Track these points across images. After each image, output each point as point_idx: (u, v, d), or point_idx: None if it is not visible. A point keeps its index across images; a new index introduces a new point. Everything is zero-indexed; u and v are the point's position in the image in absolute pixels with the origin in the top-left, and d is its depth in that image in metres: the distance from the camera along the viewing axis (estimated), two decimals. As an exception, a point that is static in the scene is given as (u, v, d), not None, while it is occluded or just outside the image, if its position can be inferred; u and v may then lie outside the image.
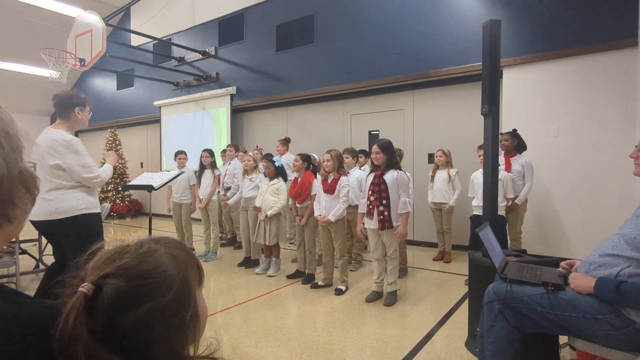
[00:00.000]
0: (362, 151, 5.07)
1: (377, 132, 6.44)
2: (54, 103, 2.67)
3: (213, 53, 8.31)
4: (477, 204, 4.13)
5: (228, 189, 5.43)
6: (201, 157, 5.30)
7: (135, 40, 9.39)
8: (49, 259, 4.63)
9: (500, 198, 3.68)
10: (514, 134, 4.26)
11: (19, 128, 0.57)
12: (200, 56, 8.47)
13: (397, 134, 6.04)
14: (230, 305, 3.49)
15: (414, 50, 5.80)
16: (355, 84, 6.37)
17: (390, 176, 3.37)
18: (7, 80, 10.49)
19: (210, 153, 5.31)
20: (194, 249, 5.36)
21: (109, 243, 0.67)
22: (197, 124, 8.64)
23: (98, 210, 2.77)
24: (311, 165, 4.27)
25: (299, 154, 4.25)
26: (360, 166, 4.79)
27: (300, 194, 4.13)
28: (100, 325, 0.55)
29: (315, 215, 3.93)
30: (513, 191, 4.12)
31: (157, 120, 9.61)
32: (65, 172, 2.59)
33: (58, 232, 2.64)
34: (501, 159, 4.10)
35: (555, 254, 4.58)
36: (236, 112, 8.16)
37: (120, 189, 9.47)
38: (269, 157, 4.39)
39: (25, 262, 4.57)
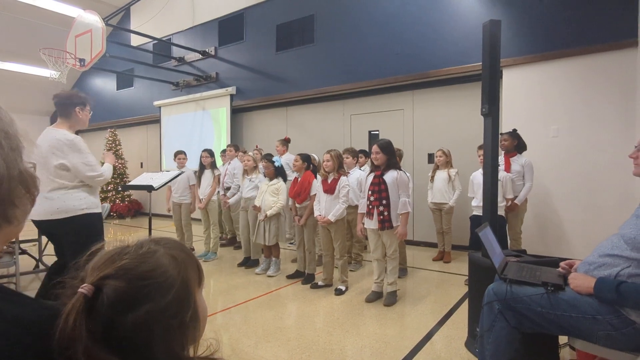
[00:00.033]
0: (362, 151, 5.07)
1: (377, 132, 6.44)
2: (55, 102, 2.68)
3: (213, 53, 8.31)
4: (476, 204, 4.13)
5: (228, 189, 5.43)
6: (201, 157, 5.30)
7: (135, 40, 9.39)
8: (49, 259, 4.64)
9: (499, 198, 3.68)
10: (514, 134, 4.26)
11: (18, 128, 0.57)
12: (200, 56, 8.47)
13: (397, 134, 6.04)
14: (230, 305, 3.49)
15: (414, 50, 5.80)
16: (355, 84, 6.37)
17: (390, 176, 3.37)
18: (6, 80, 10.49)
19: (210, 153, 5.31)
20: (193, 249, 5.36)
21: (108, 243, 0.67)
22: (197, 124, 8.64)
23: (99, 210, 2.78)
24: (311, 165, 4.27)
25: (299, 154, 4.25)
26: (360, 166, 4.79)
27: (300, 193, 4.13)
28: (100, 326, 0.55)
29: (315, 216, 3.93)
30: (512, 191, 4.13)
31: (157, 120, 9.60)
32: (69, 172, 2.59)
33: (59, 232, 2.64)
34: (501, 159, 4.10)
35: (555, 254, 4.58)
36: (236, 112, 8.16)
37: (120, 189, 9.47)
38: (268, 157, 4.40)
39: (25, 262, 4.57)
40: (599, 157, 4.51)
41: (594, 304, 1.59)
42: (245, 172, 4.92)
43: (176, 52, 8.96)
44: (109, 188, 9.44)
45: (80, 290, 0.56)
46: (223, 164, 5.98)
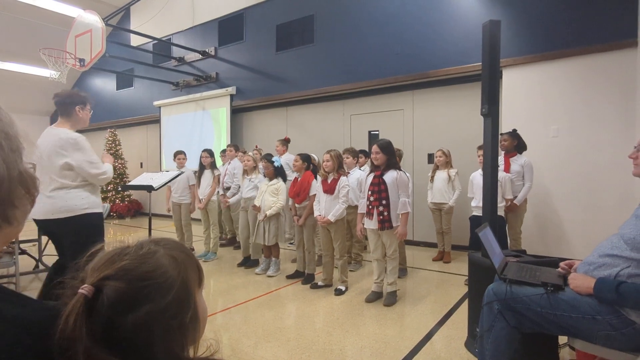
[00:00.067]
0: (362, 151, 5.07)
1: (377, 132, 6.44)
2: (55, 102, 2.68)
3: (213, 53, 8.31)
4: (476, 204, 4.13)
5: (228, 188, 5.44)
6: (201, 157, 5.30)
7: (135, 40, 9.39)
8: (49, 259, 4.64)
9: (498, 199, 3.68)
10: (513, 134, 4.26)
11: (18, 129, 0.57)
12: (200, 56, 8.47)
13: (396, 134, 6.04)
14: (230, 305, 3.49)
15: (414, 50, 5.80)
16: (355, 84, 6.37)
17: (389, 176, 3.37)
18: (6, 80, 10.49)
19: (210, 153, 5.32)
20: (193, 249, 5.36)
21: (108, 244, 0.67)
22: (197, 124, 8.64)
23: (100, 210, 2.78)
24: (311, 166, 4.27)
25: (298, 154, 4.25)
26: (360, 166, 4.79)
27: (299, 193, 4.13)
28: (100, 326, 0.55)
29: (315, 216, 3.93)
30: (512, 192, 4.12)
31: (157, 121, 9.60)
32: (73, 171, 2.59)
33: (60, 231, 2.64)
34: (500, 159, 4.10)
35: (555, 254, 4.58)
36: (236, 112, 8.16)
37: (120, 189, 9.47)
38: (268, 158, 4.40)
39: (25, 263, 4.57)
40: (599, 157, 4.51)
41: (594, 304, 1.59)
42: (245, 172, 4.93)
43: (176, 52, 8.96)
44: (109, 188, 9.44)
45: (80, 290, 0.56)
46: (223, 164, 5.98)
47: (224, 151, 6.22)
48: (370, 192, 3.42)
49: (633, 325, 1.52)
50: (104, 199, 9.23)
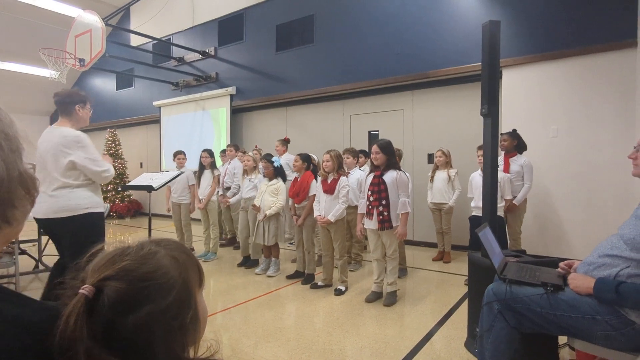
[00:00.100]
0: (362, 151, 5.07)
1: (377, 132, 6.44)
2: (55, 101, 2.68)
3: (213, 53, 8.31)
4: (475, 204, 4.13)
5: (228, 188, 5.44)
6: (200, 157, 5.30)
7: (135, 40, 9.39)
8: (49, 259, 4.65)
9: (497, 199, 3.67)
10: (513, 134, 4.26)
11: (18, 129, 0.57)
12: (200, 56, 8.47)
13: (396, 134, 6.04)
14: (230, 305, 3.49)
15: (414, 50, 5.81)
16: (355, 84, 6.37)
17: (389, 176, 3.37)
18: (6, 80, 10.49)
19: (210, 153, 5.32)
20: (193, 249, 5.36)
21: (108, 244, 0.67)
22: (197, 124, 8.64)
23: (102, 210, 2.78)
24: (311, 166, 4.27)
25: (298, 154, 4.25)
26: (360, 166, 4.79)
27: (298, 193, 4.13)
28: (101, 327, 0.55)
29: (315, 216, 3.93)
30: (511, 192, 4.12)
31: (157, 121, 9.60)
32: (76, 170, 2.60)
33: (62, 230, 2.63)
34: (500, 159, 4.10)
35: (555, 254, 4.58)
36: (236, 112, 8.16)
37: (119, 189, 9.47)
38: (267, 158, 4.40)
39: (25, 263, 4.57)
40: (599, 157, 4.51)
41: (594, 304, 1.59)
42: (245, 172, 4.93)
43: (176, 52, 8.96)
44: (109, 188, 9.44)
45: (81, 291, 0.56)
46: (222, 164, 5.98)
47: (223, 151, 6.22)
48: (370, 192, 3.42)
49: (633, 326, 1.52)
50: (103, 199, 9.21)
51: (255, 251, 4.75)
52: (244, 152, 5.72)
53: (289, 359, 2.50)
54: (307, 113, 7.26)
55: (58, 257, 2.86)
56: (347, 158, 4.45)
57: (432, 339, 2.78)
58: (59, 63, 6.71)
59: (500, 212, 3.86)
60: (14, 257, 3.76)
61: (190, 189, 5.33)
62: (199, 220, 5.48)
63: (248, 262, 4.78)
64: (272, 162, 4.34)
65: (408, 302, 3.52)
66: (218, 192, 5.42)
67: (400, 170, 3.45)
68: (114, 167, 3.10)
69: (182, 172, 4.76)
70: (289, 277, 4.24)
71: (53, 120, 11.64)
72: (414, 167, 5.99)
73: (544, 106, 4.85)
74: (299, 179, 4.22)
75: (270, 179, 4.35)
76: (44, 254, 4.66)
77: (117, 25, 9.76)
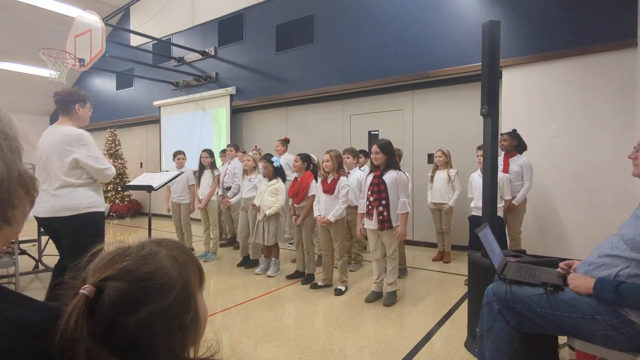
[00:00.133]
0: (362, 151, 5.07)
1: (377, 132, 6.44)
2: (55, 100, 2.68)
3: (213, 53, 8.31)
4: (475, 204, 4.13)
5: (228, 188, 5.44)
6: (200, 157, 5.30)
7: (135, 40, 9.39)
8: (49, 259, 4.64)
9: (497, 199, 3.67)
10: (513, 134, 4.26)
11: (18, 129, 0.57)
12: (200, 56, 8.47)
13: (396, 134, 6.04)
14: (230, 305, 3.50)
15: (414, 50, 5.81)
16: (355, 84, 6.37)
17: (389, 176, 3.37)
18: (6, 80, 10.49)
19: (210, 153, 5.32)
20: (193, 249, 5.36)
21: (108, 244, 0.67)
22: (197, 124, 8.64)
23: (103, 209, 2.79)
24: (311, 166, 4.27)
25: (298, 154, 4.25)
26: (360, 166, 4.79)
27: (298, 193, 4.13)
28: (101, 327, 0.55)
29: (314, 216, 3.93)
30: (510, 192, 4.12)
31: (157, 121, 9.60)
32: (80, 168, 2.60)
33: (62, 229, 2.63)
34: (500, 159, 4.10)
35: (555, 254, 4.58)
36: (236, 112, 8.16)
37: (119, 189, 9.47)
38: (267, 158, 4.40)
39: (25, 263, 4.57)
40: (598, 157, 4.51)
41: (593, 304, 1.59)
42: (245, 172, 4.93)
43: (176, 52, 8.96)
44: (109, 188, 9.44)
45: (81, 291, 0.56)
46: (222, 164, 5.98)
47: (223, 151, 6.22)
48: (369, 192, 3.42)
49: (632, 326, 1.52)
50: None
51: (255, 251, 4.75)
52: (244, 152, 5.72)
53: (289, 359, 2.50)
54: (307, 113, 7.26)
55: (58, 258, 2.86)
56: (347, 158, 4.45)
57: (432, 339, 2.78)
58: (59, 63, 6.71)
59: (500, 213, 3.86)
60: (14, 257, 3.76)
61: (190, 189, 5.33)
62: (199, 220, 5.48)
63: (247, 262, 4.78)
64: (272, 162, 4.34)
65: (408, 302, 3.52)
66: (218, 192, 5.43)
67: (400, 170, 3.45)
68: (114, 167, 3.09)
69: (182, 172, 4.76)
70: (289, 277, 4.24)
71: (53, 120, 11.63)
72: (413, 167, 5.99)
73: (544, 106, 4.85)
74: (298, 179, 4.22)
75: (270, 179, 4.35)
76: (44, 254, 4.66)
77: (117, 25, 9.76)
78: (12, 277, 3.93)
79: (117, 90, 10.66)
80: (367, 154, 5.01)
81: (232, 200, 5.27)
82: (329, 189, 3.79)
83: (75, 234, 2.58)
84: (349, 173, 4.42)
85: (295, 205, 4.21)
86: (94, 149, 2.65)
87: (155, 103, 9.36)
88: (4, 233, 0.56)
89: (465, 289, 3.74)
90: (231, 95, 7.99)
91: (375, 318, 3.16)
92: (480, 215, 2.95)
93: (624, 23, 4.32)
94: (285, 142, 5.88)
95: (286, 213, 4.72)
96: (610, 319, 1.55)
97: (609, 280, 1.57)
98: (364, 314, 3.26)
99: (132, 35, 9.48)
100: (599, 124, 4.52)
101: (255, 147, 6.34)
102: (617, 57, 4.40)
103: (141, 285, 0.58)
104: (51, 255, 4.42)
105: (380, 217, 3.34)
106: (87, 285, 0.57)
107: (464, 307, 3.20)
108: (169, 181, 4.24)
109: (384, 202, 3.33)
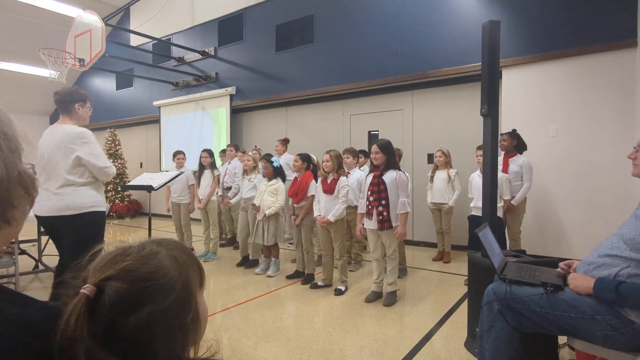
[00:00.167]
0: (362, 151, 5.07)
1: (377, 132, 6.44)
2: (55, 100, 2.69)
3: (212, 53, 8.31)
4: (474, 204, 4.13)
5: (228, 188, 5.44)
6: (200, 157, 5.30)
7: (135, 40, 9.39)
8: (49, 259, 4.64)
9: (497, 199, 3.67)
10: (513, 134, 4.26)
11: (17, 129, 0.57)
12: (200, 56, 8.47)
13: (396, 134, 6.04)
14: (229, 305, 3.50)
15: (414, 50, 5.81)
16: (355, 84, 6.37)
17: (389, 176, 3.37)
18: (6, 80, 10.48)
19: (210, 153, 5.32)
20: (193, 249, 5.36)
21: (108, 244, 0.67)
22: (197, 124, 8.64)
23: (104, 209, 2.79)
24: (311, 166, 4.27)
25: (298, 154, 4.25)
26: (360, 166, 4.79)
27: (297, 193, 4.13)
28: (102, 327, 0.55)
29: (314, 216, 3.93)
30: (509, 192, 4.12)
31: (157, 121, 9.60)
32: (82, 167, 2.60)
33: (63, 228, 2.63)
34: (500, 159, 4.10)
35: (555, 254, 4.58)
36: (236, 112, 8.16)
37: (119, 189, 9.47)
38: (267, 158, 4.40)
39: (25, 263, 4.57)
40: (598, 157, 4.51)
41: (593, 304, 1.59)
42: (245, 172, 4.93)
43: (176, 52, 8.96)
44: (109, 188, 9.44)
45: (82, 291, 0.56)
46: (222, 164, 5.98)
47: (223, 151, 6.22)
48: (369, 192, 3.42)
49: (632, 325, 1.52)
50: (103, 199, 9.22)
51: (254, 251, 4.75)
52: (244, 152, 5.72)
53: (289, 359, 2.50)
54: (307, 113, 7.26)
55: (59, 259, 2.86)
56: (347, 158, 4.45)
57: (432, 339, 2.78)
58: (59, 63, 6.71)
59: (499, 213, 3.86)
60: (14, 257, 3.76)
61: (189, 189, 5.33)
62: (199, 220, 5.48)
63: (247, 262, 4.78)
64: (272, 162, 4.34)
65: (408, 302, 3.52)
66: (218, 192, 5.42)
67: (400, 170, 3.45)
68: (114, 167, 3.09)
69: (181, 172, 4.76)
70: (289, 277, 4.24)
71: (53, 120, 11.64)
72: (413, 167, 5.99)
73: (544, 106, 4.85)
74: (298, 179, 4.22)
75: (270, 179, 4.35)
76: (44, 254, 4.65)
77: (117, 25, 9.75)
78: (12, 277, 3.93)
79: (117, 90, 10.66)
80: (367, 154, 5.01)
81: (233, 201, 5.27)
82: (329, 189, 3.79)
83: (76, 233, 2.58)
84: (349, 173, 4.42)
85: (295, 205, 4.21)
86: (95, 147, 2.65)
87: (155, 103, 9.36)
88: (4, 233, 0.56)
89: (465, 289, 3.74)
90: (231, 95, 7.99)
91: (375, 318, 3.16)
92: (480, 215, 2.95)
93: (624, 23, 4.32)
94: (285, 142, 5.88)
95: (286, 213, 4.72)
96: (610, 319, 1.55)
97: (609, 280, 1.57)
98: (364, 314, 3.26)
99: (132, 35, 9.48)
100: (599, 124, 4.52)
101: (255, 147, 6.34)
102: (617, 57, 4.40)
103: (142, 285, 0.58)
104: (51, 255, 4.42)
105: (380, 217, 3.34)
106: (87, 285, 0.57)
107: (464, 307, 3.20)
108: (169, 181, 4.23)
109: (383, 202, 3.33)
